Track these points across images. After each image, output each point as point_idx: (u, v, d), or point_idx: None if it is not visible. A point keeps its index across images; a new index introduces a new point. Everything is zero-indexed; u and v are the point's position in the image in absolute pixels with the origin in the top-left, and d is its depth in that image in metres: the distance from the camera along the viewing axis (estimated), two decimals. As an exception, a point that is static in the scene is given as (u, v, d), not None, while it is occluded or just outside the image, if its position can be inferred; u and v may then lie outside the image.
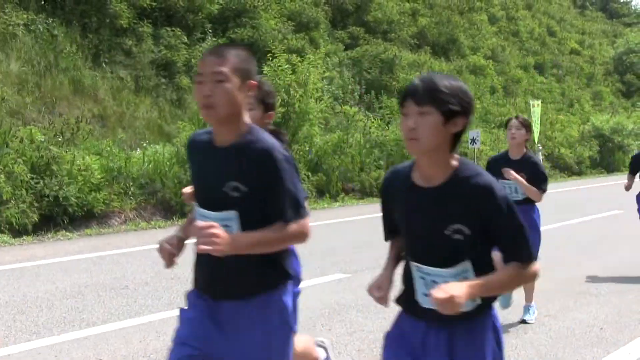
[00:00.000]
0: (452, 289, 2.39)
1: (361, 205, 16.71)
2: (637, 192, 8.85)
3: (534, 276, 2.64)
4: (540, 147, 26.39)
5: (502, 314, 6.75)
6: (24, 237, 10.97)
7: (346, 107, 21.80)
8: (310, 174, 17.06)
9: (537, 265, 2.61)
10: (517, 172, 6.07)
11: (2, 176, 11.14)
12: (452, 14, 35.61)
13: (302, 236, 2.84)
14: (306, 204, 2.90)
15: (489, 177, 2.57)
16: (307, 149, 17.57)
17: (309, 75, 17.88)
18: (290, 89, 17.18)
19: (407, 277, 2.70)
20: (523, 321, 6.43)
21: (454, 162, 2.59)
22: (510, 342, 5.85)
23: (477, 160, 20.32)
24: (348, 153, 18.38)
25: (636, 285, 8.19)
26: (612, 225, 13.49)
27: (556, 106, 37.15)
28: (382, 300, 2.73)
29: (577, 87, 42.68)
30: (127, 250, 10.00)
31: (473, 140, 20.60)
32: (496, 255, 2.67)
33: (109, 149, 13.75)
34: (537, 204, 6.27)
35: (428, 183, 2.58)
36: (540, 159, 25.93)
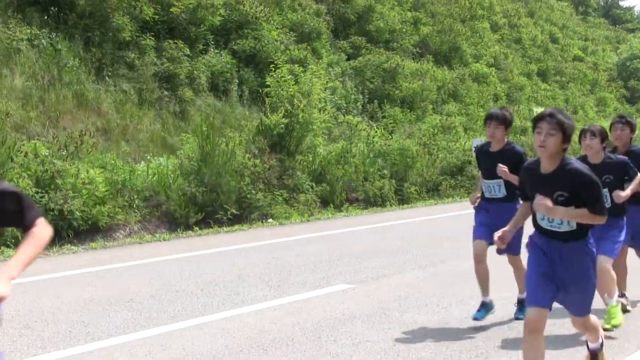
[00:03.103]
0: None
1: (365, 215, 16.69)
2: None
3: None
4: (545, 154, 26.30)
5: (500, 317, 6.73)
6: (29, 251, 10.96)
7: (349, 116, 21.83)
8: (314, 184, 17.06)
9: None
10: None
11: (7, 191, 11.16)
12: (454, 23, 35.64)
13: None
14: None
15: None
16: (311, 159, 17.59)
17: (312, 86, 17.90)
18: (294, 100, 17.21)
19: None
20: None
21: None
22: (511, 350, 5.84)
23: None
24: (352, 163, 18.37)
25: (642, 292, 8.15)
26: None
27: (560, 113, 37.08)
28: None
29: (581, 94, 42.68)
30: (132, 263, 10.01)
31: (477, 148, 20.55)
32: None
33: (113, 162, 13.76)
34: None
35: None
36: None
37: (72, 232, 11.84)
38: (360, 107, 24.29)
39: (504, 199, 6.74)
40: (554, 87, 40.97)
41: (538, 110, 26.38)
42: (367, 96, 24.96)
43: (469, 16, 39.06)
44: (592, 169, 4.79)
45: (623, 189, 6.49)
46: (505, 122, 6.68)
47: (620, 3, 71.54)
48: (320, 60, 23.66)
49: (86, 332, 6.38)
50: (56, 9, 17.25)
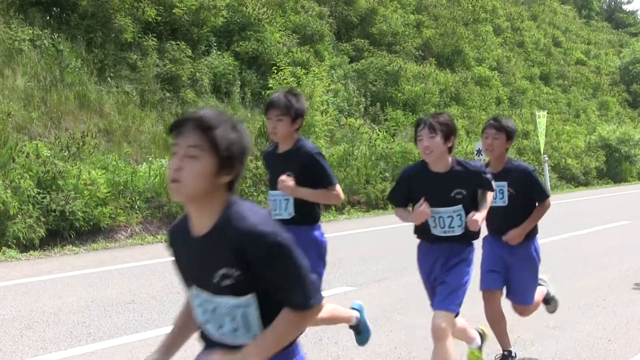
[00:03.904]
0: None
1: (367, 218, 16.69)
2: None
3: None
4: (547, 158, 26.37)
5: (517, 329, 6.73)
6: (31, 252, 10.97)
7: (351, 119, 21.84)
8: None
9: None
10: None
11: (9, 191, 11.17)
12: (456, 26, 35.65)
13: None
14: None
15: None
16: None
17: (314, 88, 17.92)
18: (296, 102, 17.20)
19: None
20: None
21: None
22: (517, 355, 5.82)
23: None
24: (354, 165, 18.37)
25: (644, 296, 8.14)
26: (619, 236, 13.44)
27: (562, 117, 37.15)
28: None
29: (583, 98, 42.65)
30: (134, 264, 10.00)
31: (479, 152, 20.57)
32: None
33: (114, 163, 13.77)
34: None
35: None
36: (547, 169, 25.89)
37: (74, 233, 11.85)
38: (363, 109, 24.29)
39: (292, 220, 4.66)
40: (556, 91, 40.95)
41: (540, 114, 26.40)
42: (369, 99, 24.97)
43: (471, 19, 39.07)
44: (433, 182, 3.53)
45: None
46: (288, 111, 4.68)
47: (624, 7, 71.57)
48: (322, 63, 23.66)
49: (87, 333, 6.37)
50: (58, 9, 17.28)
